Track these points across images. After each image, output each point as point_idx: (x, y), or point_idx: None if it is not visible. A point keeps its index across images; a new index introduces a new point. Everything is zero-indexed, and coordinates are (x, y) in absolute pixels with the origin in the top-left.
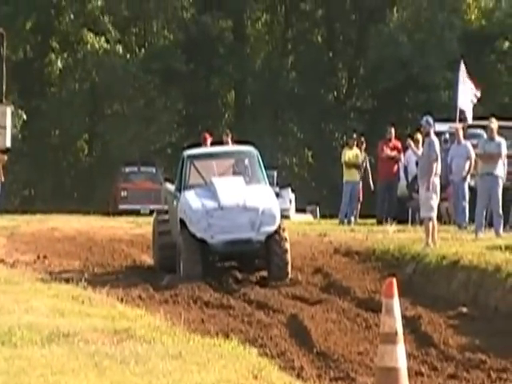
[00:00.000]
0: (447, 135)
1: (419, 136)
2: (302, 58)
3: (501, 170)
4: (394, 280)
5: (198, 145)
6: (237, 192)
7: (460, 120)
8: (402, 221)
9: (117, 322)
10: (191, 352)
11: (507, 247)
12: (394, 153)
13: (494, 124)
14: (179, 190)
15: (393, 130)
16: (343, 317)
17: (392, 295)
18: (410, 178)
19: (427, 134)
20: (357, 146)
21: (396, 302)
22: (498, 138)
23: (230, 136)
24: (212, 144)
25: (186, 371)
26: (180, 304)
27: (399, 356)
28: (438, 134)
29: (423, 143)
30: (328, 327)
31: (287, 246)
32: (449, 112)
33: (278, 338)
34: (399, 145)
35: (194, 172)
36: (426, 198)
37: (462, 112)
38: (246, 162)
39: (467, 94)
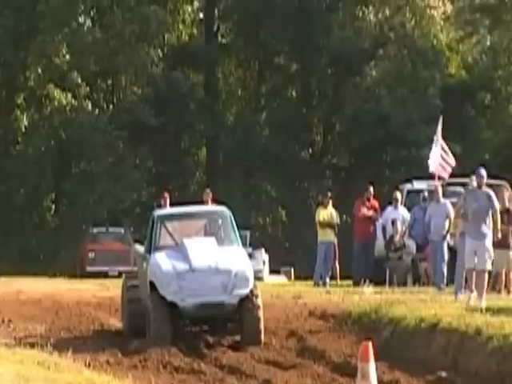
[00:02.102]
0: (426, 193)
1: (398, 195)
2: (275, 114)
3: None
4: (370, 344)
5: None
6: (209, 253)
7: (439, 178)
8: (379, 282)
9: None
10: None
11: (488, 309)
12: (371, 212)
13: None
14: (149, 251)
15: (371, 189)
16: (318, 382)
17: (368, 359)
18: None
19: (480, 186)
20: (332, 205)
21: (372, 367)
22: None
23: (210, 195)
24: (184, 203)
25: None
26: (149, 369)
27: None
28: (417, 192)
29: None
30: None
31: (260, 314)
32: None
33: None
34: (376, 204)
35: (164, 233)
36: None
37: (438, 170)
38: (219, 222)
39: (438, 153)
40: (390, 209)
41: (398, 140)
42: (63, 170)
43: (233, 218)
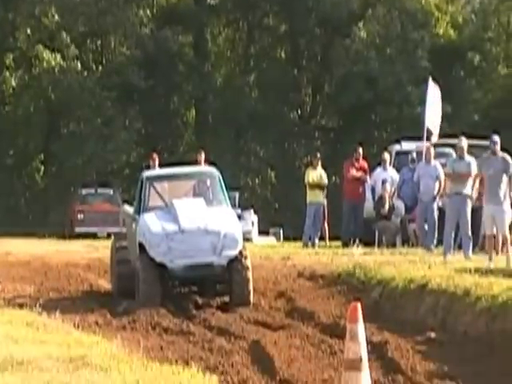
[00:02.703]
0: (414, 154)
1: (387, 156)
2: (264, 75)
3: (470, 190)
4: (359, 305)
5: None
6: (198, 215)
7: (427, 139)
8: (368, 243)
9: (72, 349)
10: (149, 380)
11: (476, 270)
12: (360, 173)
13: (464, 143)
14: (138, 212)
15: (360, 150)
16: (307, 343)
17: (356, 320)
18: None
19: (494, 153)
20: (321, 166)
21: (361, 328)
22: (467, 158)
23: (203, 156)
24: (174, 164)
25: None
26: (138, 330)
27: (364, 383)
28: (406, 153)
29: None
30: (291, 354)
31: (249, 275)
32: (417, 129)
33: (240, 365)
34: (365, 165)
35: (153, 194)
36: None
37: (429, 131)
38: (208, 183)
39: (436, 114)
40: (378, 170)
41: (386, 101)
42: (52, 130)
43: (221, 179)
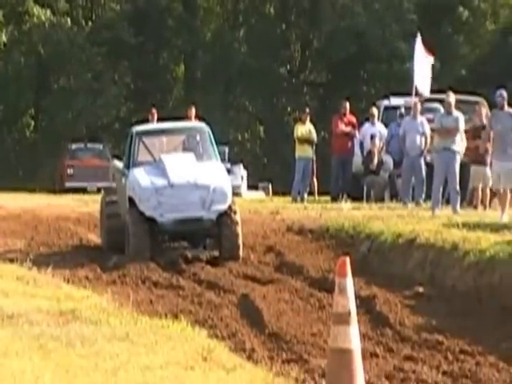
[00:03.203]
0: (403, 109)
1: (375, 111)
2: (253, 31)
3: (459, 145)
4: (348, 259)
5: (147, 120)
6: (187, 169)
7: (416, 94)
8: (356, 198)
9: (62, 303)
10: (139, 334)
11: (464, 224)
12: (349, 128)
13: (452, 98)
14: (127, 167)
15: (347, 105)
16: (296, 297)
17: (345, 274)
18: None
19: (502, 107)
20: (310, 120)
21: (349, 282)
22: (455, 113)
23: (193, 111)
24: (163, 119)
25: (133, 353)
26: (128, 284)
27: (353, 337)
28: (394, 108)
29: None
30: (280, 307)
31: (238, 229)
32: (406, 85)
33: (229, 319)
34: (354, 120)
35: (142, 149)
36: None
37: (418, 88)
38: (197, 138)
39: (424, 71)
40: (367, 125)
41: (374, 56)
42: (42, 86)
43: (211, 134)
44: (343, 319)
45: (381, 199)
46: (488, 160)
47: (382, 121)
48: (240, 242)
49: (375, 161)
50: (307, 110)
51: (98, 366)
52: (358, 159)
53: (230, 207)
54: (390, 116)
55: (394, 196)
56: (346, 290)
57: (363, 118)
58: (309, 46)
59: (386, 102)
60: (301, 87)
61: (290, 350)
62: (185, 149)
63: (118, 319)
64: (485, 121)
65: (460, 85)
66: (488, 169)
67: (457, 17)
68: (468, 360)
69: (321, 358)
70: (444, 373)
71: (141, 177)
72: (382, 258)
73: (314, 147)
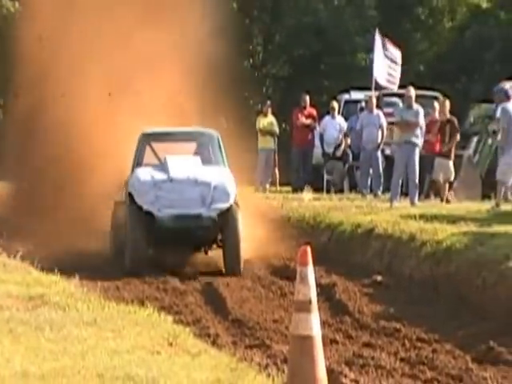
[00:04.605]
0: (363, 103)
1: (335, 104)
2: (217, 25)
3: (418, 138)
4: (309, 248)
5: None
6: (189, 167)
7: (376, 88)
8: (317, 189)
9: (32, 288)
10: (106, 319)
11: (421, 216)
12: (309, 121)
13: (412, 92)
14: (132, 169)
15: (307, 98)
16: (258, 285)
17: (306, 263)
18: (325, 146)
19: (501, 101)
20: (272, 113)
21: (310, 270)
22: (415, 107)
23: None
24: None
25: (100, 338)
26: (95, 271)
27: (313, 324)
28: (354, 102)
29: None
30: (243, 295)
31: (240, 230)
32: (366, 79)
33: (193, 306)
34: (314, 112)
35: (149, 152)
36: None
37: (378, 83)
38: (206, 143)
39: (384, 66)
40: (327, 118)
41: (335, 51)
42: None
43: (220, 140)
44: (304, 307)
45: (340, 190)
46: (452, 154)
47: (342, 114)
48: (241, 242)
49: (341, 149)
50: (269, 102)
51: (66, 349)
52: (318, 151)
53: (232, 206)
54: (351, 110)
55: (353, 187)
56: (307, 278)
57: (324, 111)
58: (272, 41)
59: (346, 96)
60: (263, 80)
61: (252, 336)
62: (192, 153)
63: (86, 305)
64: (448, 115)
65: (418, 80)
66: (451, 162)
67: (415, 14)
68: (425, 347)
69: (283, 343)
70: (401, 359)
71: (141, 172)
72: (342, 247)
73: (276, 139)
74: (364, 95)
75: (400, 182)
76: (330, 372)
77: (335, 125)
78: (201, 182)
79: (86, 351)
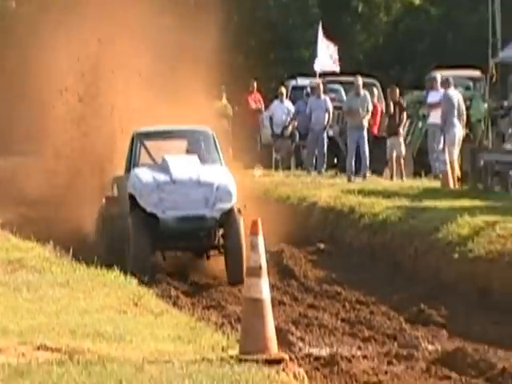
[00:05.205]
0: (308, 89)
1: (283, 90)
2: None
3: (365, 122)
4: (259, 219)
5: None
6: (190, 167)
7: (320, 76)
8: (266, 166)
9: (10, 252)
10: (77, 281)
11: (360, 191)
12: (258, 105)
13: (360, 81)
14: (128, 170)
15: (255, 84)
16: (211, 258)
17: (257, 233)
18: (274, 127)
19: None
20: (226, 98)
21: (261, 239)
22: (362, 93)
23: None
24: None
25: (73, 298)
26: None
27: (263, 288)
28: (301, 88)
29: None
30: (200, 261)
31: (241, 230)
32: (311, 67)
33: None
34: (260, 97)
35: (144, 152)
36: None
37: (321, 70)
38: (201, 141)
39: (326, 55)
40: (276, 102)
41: (284, 42)
42: None
43: (215, 138)
44: (255, 272)
45: (287, 167)
46: (400, 130)
47: (290, 99)
48: (243, 243)
49: (290, 129)
50: (223, 87)
51: (42, 309)
52: (267, 131)
53: (233, 209)
54: (297, 95)
55: (299, 165)
56: (257, 246)
57: (273, 96)
58: (226, 34)
59: (293, 82)
60: (218, 68)
61: (209, 298)
62: (188, 152)
63: (59, 268)
64: (397, 98)
65: (358, 68)
66: (401, 138)
67: (354, 9)
68: (363, 309)
69: (236, 305)
70: (342, 320)
71: (142, 173)
72: (289, 219)
73: (230, 121)
74: (309, 81)
75: (353, 161)
76: (278, 331)
77: (283, 108)
78: (204, 183)
79: (60, 310)
